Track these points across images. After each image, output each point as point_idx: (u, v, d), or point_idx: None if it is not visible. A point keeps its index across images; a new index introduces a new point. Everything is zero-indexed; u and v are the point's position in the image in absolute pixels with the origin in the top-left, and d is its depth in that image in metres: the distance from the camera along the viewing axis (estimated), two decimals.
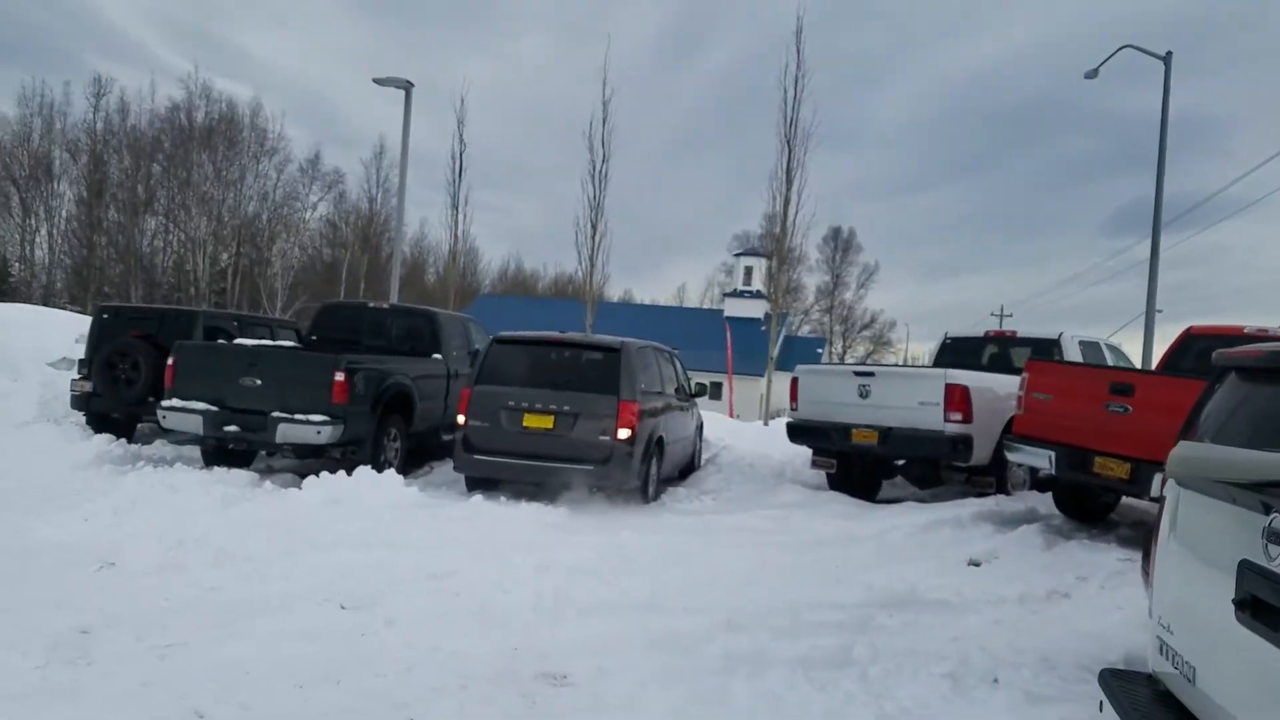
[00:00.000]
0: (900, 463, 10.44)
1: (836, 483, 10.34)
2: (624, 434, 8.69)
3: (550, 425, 8.74)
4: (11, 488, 7.98)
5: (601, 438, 8.67)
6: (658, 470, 9.61)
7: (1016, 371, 9.04)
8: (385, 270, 51.28)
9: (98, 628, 4.53)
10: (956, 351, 11.77)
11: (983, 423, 9.06)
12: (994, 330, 12.97)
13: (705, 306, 74.23)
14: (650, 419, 9.25)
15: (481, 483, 9.27)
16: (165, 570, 5.67)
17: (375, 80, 17.76)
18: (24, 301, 40.25)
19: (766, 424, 19.21)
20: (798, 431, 10.29)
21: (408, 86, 17.75)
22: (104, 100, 55.15)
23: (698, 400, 12.10)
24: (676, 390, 11.00)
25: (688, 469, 11.69)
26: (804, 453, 11.00)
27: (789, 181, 23.31)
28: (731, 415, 25.04)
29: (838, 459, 10.21)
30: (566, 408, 8.74)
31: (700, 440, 12.61)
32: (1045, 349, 10.71)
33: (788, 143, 23.30)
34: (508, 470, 8.88)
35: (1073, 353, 10.67)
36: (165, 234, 54.69)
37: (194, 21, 79.91)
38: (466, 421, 8.97)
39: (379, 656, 4.39)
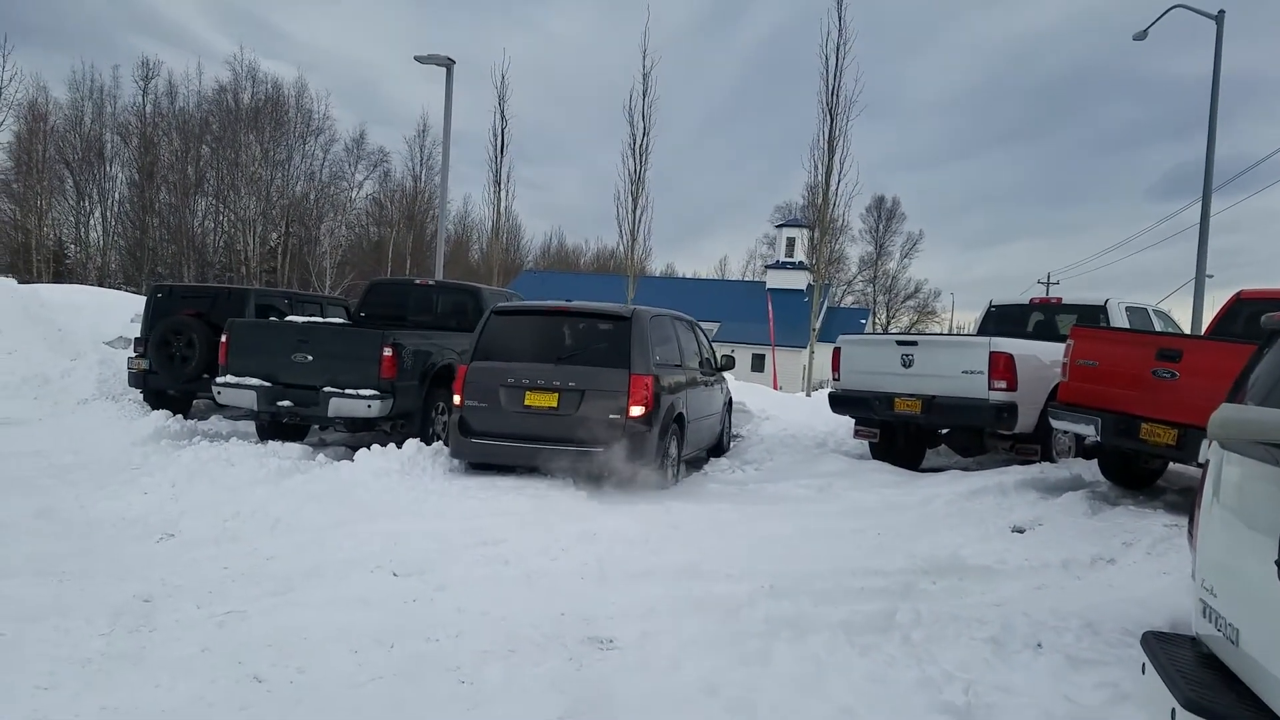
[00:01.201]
0: (944, 431, 10.39)
1: (879, 452, 10.32)
2: (637, 411, 7.83)
3: (554, 404, 7.90)
4: (74, 463, 8.26)
5: (612, 416, 7.81)
6: (679, 451, 8.80)
7: (1062, 339, 8.92)
8: (430, 247, 51.71)
9: (159, 596, 4.72)
10: (1001, 319, 11.63)
11: (1028, 390, 8.97)
12: (1039, 297, 12.78)
13: (747, 279, 73.93)
14: (668, 395, 8.38)
15: (485, 466, 8.47)
16: (223, 540, 5.88)
17: (417, 58, 17.84)
18: (80, 283, 41.36)
19: (809, 395, 19.15)
20: (840, 401, 10.27)
21: (449, 64, 17.82)
22: (152, 83, 56.24)
23: (725, 374, 11.25)
24: (700, 363, 10.12)
25: (715, 449, 10.84)
26: (847, 423, 10.99)
27: (831, 151, 23.14)
28: (776, 387, 25.00)
29: (881, 428, 10.18)
30: (572, 384, 7.90)
31: (729, 418, 11.70)
32: (1091, 315, 10.55)
33: (829, 112, 23.14)
34: (508, 455, 8.06)
35: (1119, 319, 10.49)
36: (216, 214, 55.68)
37: (238, 2, 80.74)
38: (463, 401, 8.19)
39: (430, 622, 4.52)
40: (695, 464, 9.87)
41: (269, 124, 53.89)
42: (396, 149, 76.86)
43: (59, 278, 48.42)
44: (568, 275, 66.24)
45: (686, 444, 9.05)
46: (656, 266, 72.20)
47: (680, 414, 8.67)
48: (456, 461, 8.50)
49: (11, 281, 15.69)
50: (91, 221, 56.73)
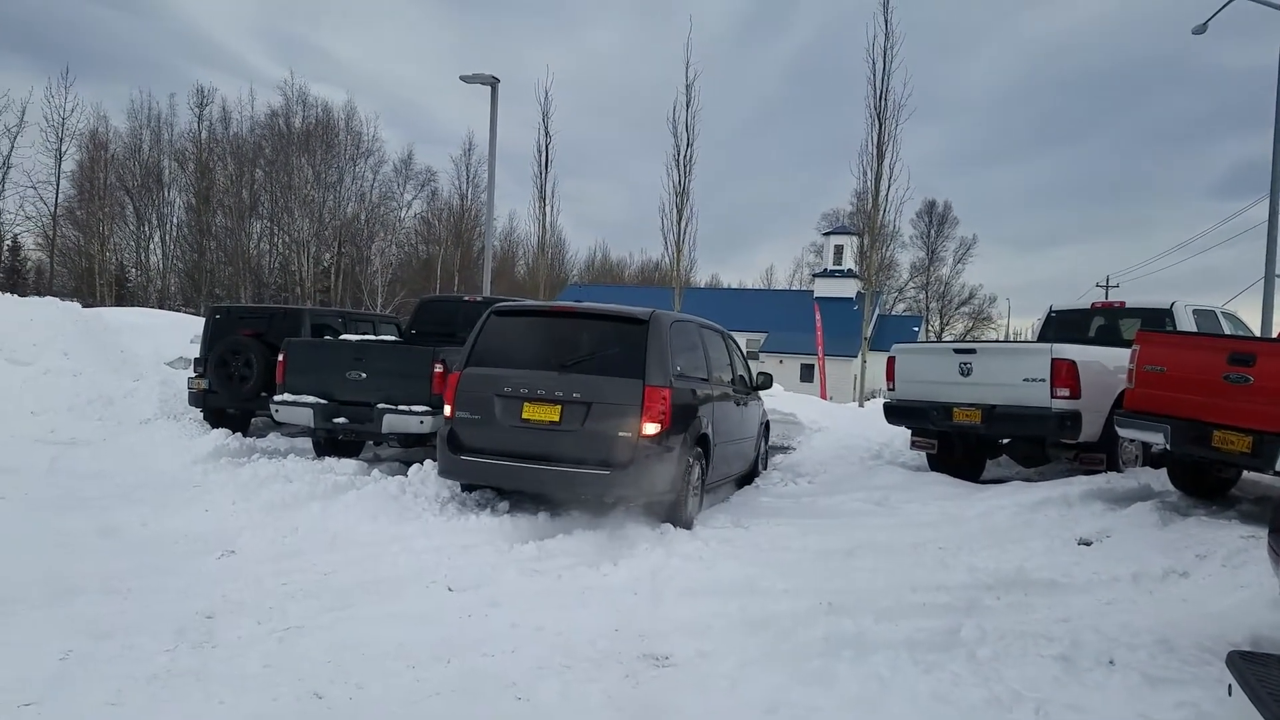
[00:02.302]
0: (1004, 442, 10.17)
1: (937, 463, 10.13)
2: (651, 429, 6.77)
3: (555, 418, 6.89)
4: (136, 482, 8.42)
5: (621, 434, 6.76)
6: (702, 478, 7.73)
7: (1125, 344, 8.69)
8: (477, 264, 52.24)
9: (221, 613, 4.76)
10: (1062, 325, 11.38)
11: (1091, 398, 8.75)
12: (1101, 301, 12.48)
13: (794, 288, 73.55)
14: (690, 411, 7.38)
15: (478, 485, 7.71)
16: (282, 557, 5.94)
17: (462, 78, 18.07)
18: (141, 305, 42.53)
19: (862, 405, 18.91)
20: (896, 412, 10.11)
21: (493, 82, 18.02)
22: (207, 110, 57.92)
23: (761, 392, 10.25)
24: (732, 380, 9.20)
25: (748, 476, 9.89)
26: (902, 434, 10.81)
27: (880, 156, 22.87)
28: (824, 397, 24.76)
29: (938, 439, 9.99)
30: (576, 395, 6.88)
31: (765, 442, 10.77)
32: (1156, 319, 10.25)
33: (878, 116, 22.88)
34: (501, 475, 7.10)
35: (1186, 322, 10.19)
36: (270, 236, 57.04)
37: (288, 30, 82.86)
38: (453, 413, 7.26)
39: (486, 637, 4.51)
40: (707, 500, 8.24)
41: (320, 147, 55.09)
42: (443, 168, 77.87)
43: (121, 301, 49.84)
44: (613, 288, 66.47)
45: (712, 470, 7.99)
46: (701, 277, 72.27)
47: (704, 435, 7.66)
48: None
49: (76, 305, 16.12)
50: (151, 246, 58.56)
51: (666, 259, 28.46)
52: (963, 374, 9.33)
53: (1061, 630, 4.73)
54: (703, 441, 7.65)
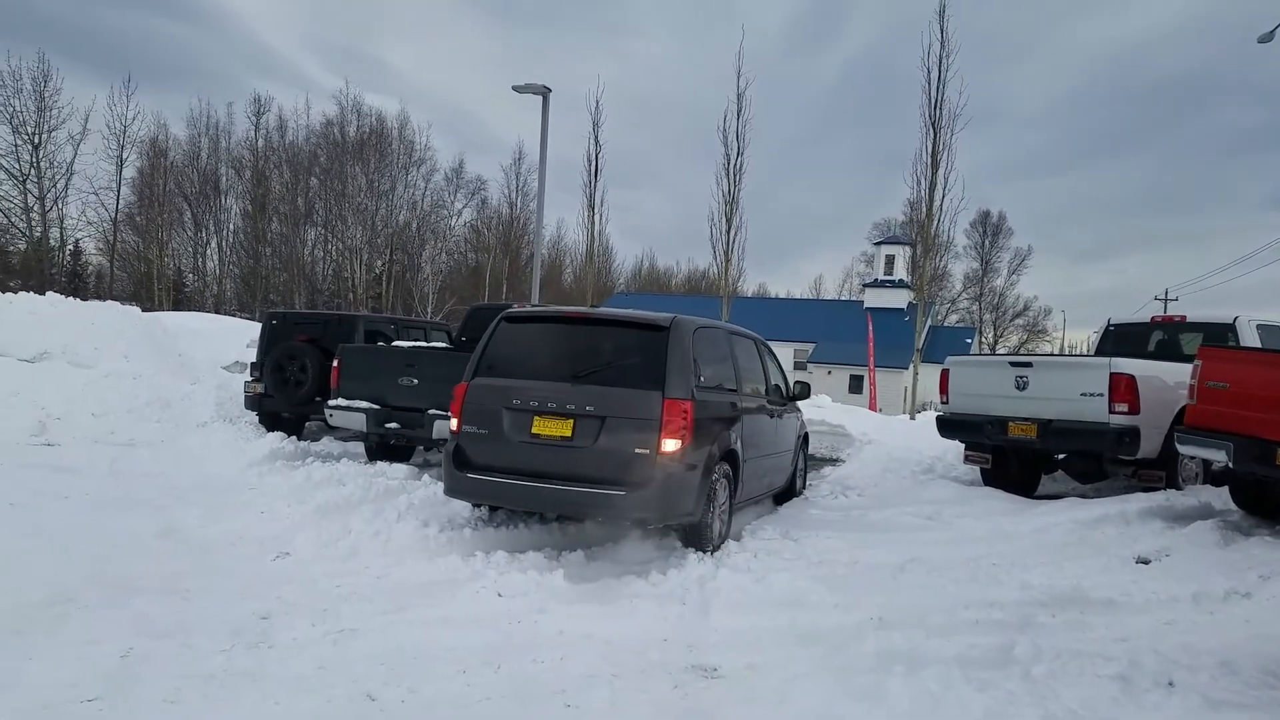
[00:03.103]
0: (1060, 457, 9.98)
1: (991, 478, 9.97)
2: (670, 446, 6.17)
3: (568, 433, 6.32)
4: (193, 484, 8.61)
5: (638, 451, 6.18)
6: (730, 499, 7.15)
7: (1186, 359, 8.49)
8: (525, 272, 52.84)
9: (276, 614, 4.84)
10: (1121, 338, 11.15)
11: (1151, 413, 8.56)
12: (1161, 315, 12.21)
13: (843, 298, 72.96)
14: (716, 425, 6.81)
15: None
16: (335, 559, 6.04)
17: (514, 88, 18.24)
18: (198, 310, 43.60)
19: (913, 418, 18.67)
20: (949, 425, 9.98)
21: (545, 92, 18.16)
22: (264, 119, 59.33)
23: (806, 402, 9.93)
24: (766, 389, 8.59)
25: (785, 493, 9.36)
26: (955, 447, 10.67)
27: (934, 165, 22.60)
28: (874, 408, 24.49)
29: (992, 453, 9.84)
30: (590, 408, 6.30)
31: (804, 457, 10.13)
32: (1219, 334, 10.00)
33: (932, 125, 22.64)
34: (510, 494, 6.48)
35: (1250, 337, 9.91)
36: (324, 243, 58.14)
37: (343, 40, 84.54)
38: (460, 426, 6.72)
39: (534, 643, 4.54)
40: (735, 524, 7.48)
41: (373, 155, 56.02)
42: (493, 176, 79.00)
43: (178, 305, 51.21)
44: (660, 296, 66.53)
45: (742, 488, 7.43)
46: (748, 286, 71.92)
47: (732, 450, 7.09)
48: None
49: (136, 309, 16.56)
50: (208, 251, 60.12)
51: (714, 268, 28.42)
52: (1019, 387, 9.19)
53: (1119, 650, 4.62)
54: (730, 458, 7.08)
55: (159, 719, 3.53)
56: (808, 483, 10.34)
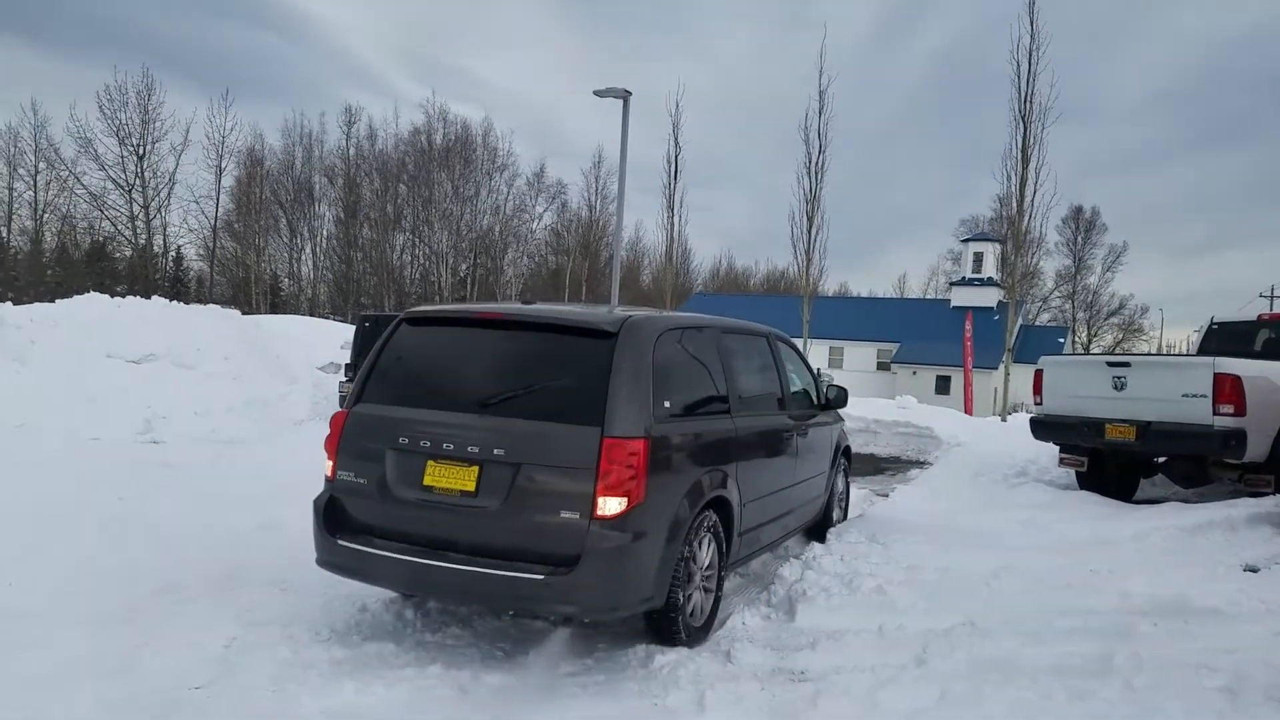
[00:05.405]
0: (1161, 460, 9.60)
1: (1087, 482, 9.63)
2: (612, 506, 4.16)
3: (470, 486, 4.32)
4: (291, 481, 8.86)
5: (564, 514, 4.18)
6: (721, 560, 5.10)
7: None
8: (604, 274, 53.29)
9: (371, 607, 5.01)
10: (1224, 337, 10.66)
11: (1258, 416, 8.16)
12: (1268, 313, 11.64)
13: (929, 296, 71.47)
14: (693, 466, 4.76)
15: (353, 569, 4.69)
16: None
17: (596, 92, 18.39)
18: (293, 313, 45.17)
19: (1004, 419, 18.19)
20: (1044, 427, 9.68)
21: (626, 96, 18.27)
22: (355, 128, 61.15)
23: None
24: (787, 400, 6.55)
25: (816, 529, 7.41)
26: (1048, 450, 10.35)
27: (1025, 161, 21.99)
28: (969, 411, 23.90)
29: (1089, 456, 9.50)
30: (498, 452, 4.29)
31: (845, 473, 8.11)
32: None
33: (1023, 120, 22.02)
34: (388, 572, 4.47)
35: None
36: (412, 248, 59.71)
37: (430, 51, 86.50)
38: (334, 472, 4.86)
39: None
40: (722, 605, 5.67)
41: (459, 162, 57.35)
42: (573, 180, 79.89)
43: (274, 308, 53.10)
44: (738, 297, 66.14)
45: (740, 541, 5.37)
46: (829, 285, 70.98)
47: (720, 497, 4.97)
48: None
49: (236, 313, 17.21)
50: (303, 257, 62.21)
51: (794, 267, 28.22)
52: (1116, 388, 8.86)
53: (1226, 661, 4.41)
54: (719, 506, 5.01)
55: (261, 706, 3.69)
56: (853, 507, 8.59)
